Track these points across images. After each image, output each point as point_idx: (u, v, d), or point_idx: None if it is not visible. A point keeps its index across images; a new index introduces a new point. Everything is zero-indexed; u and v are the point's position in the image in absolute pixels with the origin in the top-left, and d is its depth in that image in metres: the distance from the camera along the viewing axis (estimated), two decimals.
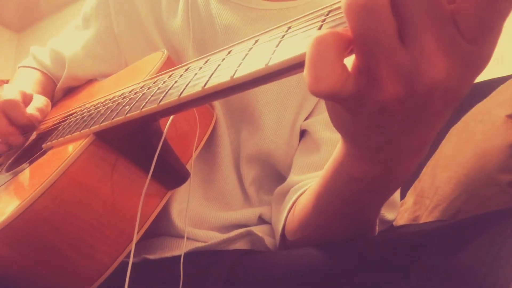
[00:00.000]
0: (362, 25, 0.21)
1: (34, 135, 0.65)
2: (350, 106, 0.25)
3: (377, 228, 0.48)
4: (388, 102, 0.24)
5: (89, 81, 0.74)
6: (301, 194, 0.50)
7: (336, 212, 0.41)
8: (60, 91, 0.76)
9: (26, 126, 0.62)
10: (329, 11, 0.26)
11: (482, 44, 0.22)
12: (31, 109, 0.61)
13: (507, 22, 0.21)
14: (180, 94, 0.33)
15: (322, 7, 0.27)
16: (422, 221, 0.80)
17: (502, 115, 0.73)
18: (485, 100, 0.82)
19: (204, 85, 0.31)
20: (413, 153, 0.30)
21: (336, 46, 0.22)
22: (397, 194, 0.54)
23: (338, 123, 0.30)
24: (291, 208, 0.51)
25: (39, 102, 0.63)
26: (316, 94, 0.22)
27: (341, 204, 0.39)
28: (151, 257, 0.51)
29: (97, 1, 0.69)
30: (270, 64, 0.26)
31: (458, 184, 0.75)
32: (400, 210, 0.89)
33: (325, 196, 0.41)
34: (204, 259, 0.49)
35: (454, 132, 0.85)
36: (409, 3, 0.21)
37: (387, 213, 0.51)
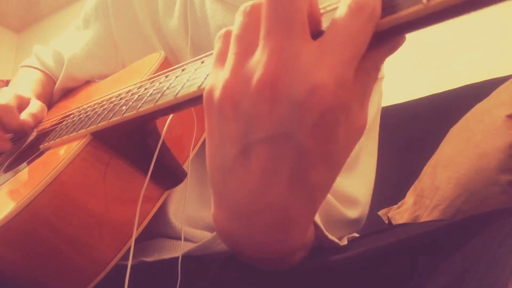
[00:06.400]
0: None
1: (33, 135, 0.65)
2: None
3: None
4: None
5: (87, 83, 0.74)
6: None
7: None
8: (58, 91, 0.76)
9: (18, 132, 0.62)
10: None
11: None
12: (24, 115, 0.60)
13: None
14: (177, 94, 0.33)
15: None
16: (422, 221, 0.79)
17: (502, 115, 0.73)
18: (485, 100, 0.82)
19: (200, 85, 0.31)
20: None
21: None
22: (356, 191, 0.52)
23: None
24: None
25: (33, 107, 0.63)
26: None
27: None
28: (148, 259, 0.51)
29: (97, 3, 0.69)
30: None
31: (458, 184, 0.74)
32: (400, 210, 0.89)
33: None
34: (200, 260, 0.49)
35: (454, 132, 0.85)
36: None
37: (348, 211, 0.50)
